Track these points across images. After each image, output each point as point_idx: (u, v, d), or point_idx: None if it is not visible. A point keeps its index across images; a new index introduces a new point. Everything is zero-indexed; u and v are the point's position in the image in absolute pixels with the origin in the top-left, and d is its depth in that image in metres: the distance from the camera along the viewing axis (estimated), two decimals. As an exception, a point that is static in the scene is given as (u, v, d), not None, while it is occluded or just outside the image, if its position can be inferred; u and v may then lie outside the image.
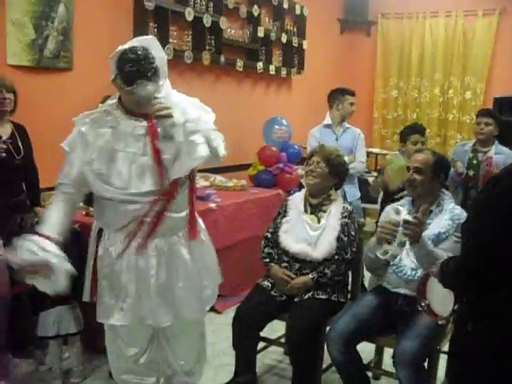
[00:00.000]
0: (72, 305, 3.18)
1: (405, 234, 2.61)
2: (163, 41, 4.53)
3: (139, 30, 4.44)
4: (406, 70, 7.46)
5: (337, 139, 4.74)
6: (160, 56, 2.44)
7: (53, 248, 2.32)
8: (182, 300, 2.61)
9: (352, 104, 4.80)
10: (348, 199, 4.49)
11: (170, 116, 2.35)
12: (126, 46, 2.41)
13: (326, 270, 3.12)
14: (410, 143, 4.21)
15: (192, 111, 2.49)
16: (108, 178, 2.44)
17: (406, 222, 2.60)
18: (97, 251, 2.63)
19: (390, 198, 3.80)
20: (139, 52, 2.37)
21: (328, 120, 4.84)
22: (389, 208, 2.86)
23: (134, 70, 2.34)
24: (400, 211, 2.71)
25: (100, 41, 4.25)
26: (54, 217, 2.47)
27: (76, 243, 3.14)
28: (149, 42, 2.46)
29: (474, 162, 4.52)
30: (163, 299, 2.58)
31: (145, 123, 2.45)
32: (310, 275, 3.11)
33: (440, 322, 2.33)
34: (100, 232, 2.64)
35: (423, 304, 2.15)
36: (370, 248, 2.92)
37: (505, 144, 4.58)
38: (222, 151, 2.57)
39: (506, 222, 1.55)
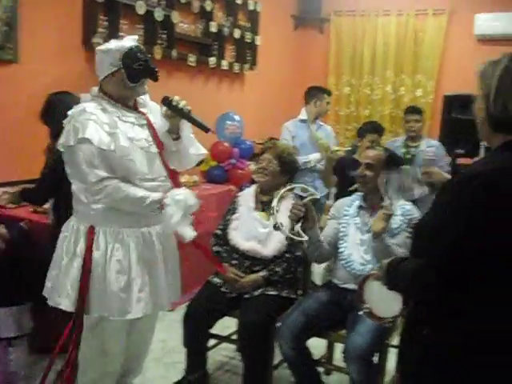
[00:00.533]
0: (18, 306, 3.07)
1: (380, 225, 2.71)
2: (114, 34, 4.44)
3: (89, 22, 4.33)
4: (359, 67, 7.52)
5: (311, 135, 4.88)
6: None
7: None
8: (170, 286, 2.72)
9: (328, 103, 4.96)
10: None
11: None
12: (127, 43, 2.51)
13: (277, 268, 3.11)
14: (367, 141, 4.27)
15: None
16: (133, 165, 2.49)
17: (385, 214, 2.68)
18: (89, 251, 2.51)
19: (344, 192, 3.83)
20: (145, 52, 2.55)
21: (304, 115, 4.96)
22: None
23: (141, 69, 2.50)
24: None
25: (48, 33, 4.12)
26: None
27: (26, 242, 3.03)
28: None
29: (408, 156, 4.76)
30: (167, 284, 2.68)
31: (140, 115, 2.60)
32: (261, 273, 3.10)
33: (386, 325, 2.33)
34: (91, 229, 2.53)
35: (364, 308, 2.13)
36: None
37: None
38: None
39: (468, 218, 1.53)
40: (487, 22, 6.65)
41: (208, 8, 5.60)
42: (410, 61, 7.21)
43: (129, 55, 2.48)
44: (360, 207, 3.06)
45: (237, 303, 3.11)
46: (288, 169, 3.29)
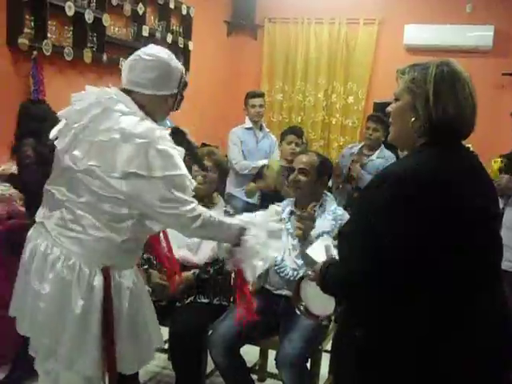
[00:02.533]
0: None
1: (299, 229, 2.65)
2: (41, 36, 4.31)
3: (13, 22, 4.15)
4: (291, 74, 7.58)
5: (257, 142, 4.96)
6: None
7: None
8: None
9: (254, 106, 4.93)
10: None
11: None
12: (179, 64, 2.28)
13: (209, 268, 3.07)
14: (286, 143, 4.33)
15: None
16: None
17: (299, 216, 2.65)
18: (107, 298, 2.13)
19: (268, 199, 3.82)
20: None
21: (248, 123, 4.94)
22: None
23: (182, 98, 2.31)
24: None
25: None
26: None
27: None
28: None
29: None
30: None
31: None
32: (192, 271, 3.05)
33: (323, 323, 2.34)
34: (106, 269, 2.14)
35: (300, 307, 2.14)
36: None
37: (388, 147, 4.77)
38: None
39: (384, 218, 1.55)
40: (416, 33, 6.86)
41: (140, 11, 5.51)
42: (341, 68, 7.32)
43: (184, 82, 2.26)
44: (291, 212, 3.06)
45: (168, 312, 3.05)
46: (223, 176, 3.25)
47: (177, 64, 2.25)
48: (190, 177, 2.14)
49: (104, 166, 2.04)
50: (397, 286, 1.57)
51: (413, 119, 1.67)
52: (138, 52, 2.27)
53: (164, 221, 2.17)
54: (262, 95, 5.12)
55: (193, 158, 2.46)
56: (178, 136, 2.33)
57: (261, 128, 5.13)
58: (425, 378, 1.60)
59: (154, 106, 2.21)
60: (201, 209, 2.15)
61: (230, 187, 5.02)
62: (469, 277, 1.61)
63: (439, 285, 1.58)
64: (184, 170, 2.11)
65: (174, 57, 2.28)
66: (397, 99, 1.75)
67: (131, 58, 2.27)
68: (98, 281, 2.10)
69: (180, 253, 3.08)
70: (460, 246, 1.59)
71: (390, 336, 1.62)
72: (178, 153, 2.11)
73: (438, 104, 1.61)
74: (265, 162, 4.77)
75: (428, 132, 1.65)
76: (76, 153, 2.08)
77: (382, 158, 4.65)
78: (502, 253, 1.74)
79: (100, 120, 2.09)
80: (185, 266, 3.10)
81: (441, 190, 1.56)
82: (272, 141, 5.15)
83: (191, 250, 3.10)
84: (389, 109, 1.82)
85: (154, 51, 2.25)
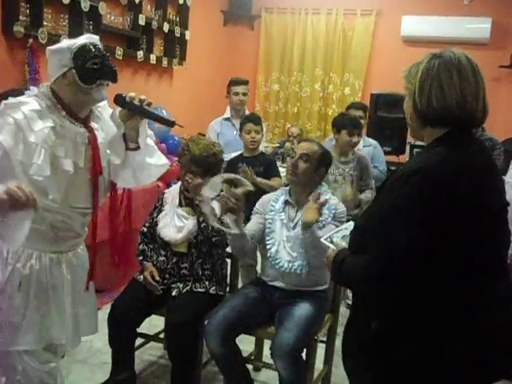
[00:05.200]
0: None
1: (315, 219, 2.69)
2: (37, 24, 4.29)
3: (9, 10, 4.14)
4: (288, 64, 7.58)
5: (235, 133, 4.59)
6: None
7: None
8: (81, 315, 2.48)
9: (237, 94, 4.72)
10: None
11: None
12: (81, 40, 2.19)
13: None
14: (244, 132, 4.12)
15: None
16: (44, 187, 2.13)
17: (322, 204, 2.69)
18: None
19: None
20: (102, 50, 2.21)
21: (228, 113, 4.78)
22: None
23: (96, 68, 2.17)
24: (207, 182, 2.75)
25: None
26: None
27: None
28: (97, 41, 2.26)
29: None
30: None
31: (85, 131, 2.25)
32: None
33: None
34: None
35: None
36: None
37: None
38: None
39: (412, 213, 1.59)
40: (413, 24, 6.86)
41: (136, 0, 5.48)
42: (338, 59, 7.33)
43: (81, 53, 2.15)
44: (286, 202, 3.05)
45: (164, 301, 3.05)
46: (210, 167, 3.19)
47: (63, 44, 2.20)
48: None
49: None
50: (420, 279, 1.60)
51: (409, 111, 1.75)
52: None
53: None
54: (245, 82, 4.88)
55: (152, 118, 2.34)
56: (123, 104, 2.28)
57: (240, 117, 4.70)
58: (442, 367, 1.64)
59: (63, 93, 2.20)
60: None
61: None
62: (487, 268, 1.67)
63: (460, 277, 1.62)
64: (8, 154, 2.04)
65: (64, 40, 2.24)
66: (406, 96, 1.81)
67: None
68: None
69: (181, 235, 3.07)
70: (482, 239, 1.64)
71: (406, 328, 1.66)
72: (17, 127, 2.06)
73: (422, 96, 1.68)
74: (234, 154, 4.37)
75: (425, 124, 1.72)
76: None
77: (368, 146, 4.62)
78: (509, 247, 1.81)
79: None
80: (182, 254, 3.11)
81: (466, 184, 1.61)
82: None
83: (177, 229, 3.10)
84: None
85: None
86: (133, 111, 2.26)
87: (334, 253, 1.86)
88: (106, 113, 2.39)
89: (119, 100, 2.27)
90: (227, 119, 4.79)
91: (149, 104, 2.30)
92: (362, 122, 4.60)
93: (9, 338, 2.23)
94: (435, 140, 1.71)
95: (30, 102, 2.14)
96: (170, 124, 2.38)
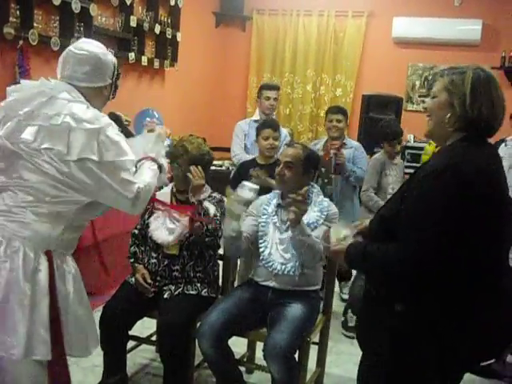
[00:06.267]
0: None
1: (294, 213, 2.68)
2: (27, 25, 4.26)
3: (-2, 12, 4.12)
4: (280, 66, 7.58)
5: None
6: None
7: None
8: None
9: (268, 98, 4.72)
10: None
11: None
12: (110, 54, 2.35)
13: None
14: (261, 138, 4.08)
15: None
16: None
17: (293, 199, 2.67)
18: (52, 281, 2.18)
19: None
20: None
21: (257, 115, 4.80)
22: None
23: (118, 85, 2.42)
24: (244, 185, 2.77)
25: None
26: None
27: None
28: None
29: (326, 159, 4.63)
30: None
31: None
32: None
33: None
34: (49, 254, 2.19)
35: None
36: (226, 228, 2.89)
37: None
38: None
39: (445, 209, 1.72)
40: (404, 26, 6.88)
41: (128, 2, 5.47)
42: (330, 60, 7.34)
43: (117, 71, 2.37)
44: (278, 205, 3.05)
45: (155, 303, 3.04)
46: (207, 166, 3.21)
47: (108, 56, 2.33)
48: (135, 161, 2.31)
49: (57, 149, 2.11)
50: (447, 268, 1.74)
51: (449, 115, 1.87)
52: (70, 47, 2.32)
53: (111, 201, 2.25)
54: (277, 88, 4.90)
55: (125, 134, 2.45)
56: (116, 121, 2.39)
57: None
58: (464, 350, 1.82)
59: (90, 97, 2.28)
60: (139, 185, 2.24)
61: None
62: (502, 259, 1.88)
63: (480, 267, 1.78)
64: (131, 156, 2.23)
65: (105, 50, 2.35)
66: (434, 97, 1.95)
67: (63, 53, 2.32)
68: (44, 265, 2.16)
69: (174, 236, 3.06)
70: (501, 232, 1.83)
71: (429, 312, 1.80)
72: (122, 138, 2.24)
73: (474, 104, 1.83)
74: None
75: (462, 127, 1.86)
76: (25, 136, 2.13)
77: (350, 148, 4.62)
78: None
79: (47, 106, 2.16)
80: (173, 256, 3.10)
81: (490, 180, 1.80)
82: (282, 134, 4.87)
83: (169, 231, 3.09)
84: (426, 105, 2.05)
85: (84, 45, 2.31)
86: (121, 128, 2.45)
87: (349, 240, 2.03)
88: None
89: (113, 117, 2.42)
90: (257, 121, 4.76)
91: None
92: (342, 124, 4.59)
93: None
94: (459, 140, 1.88)
95: (103, 115, 2.24)
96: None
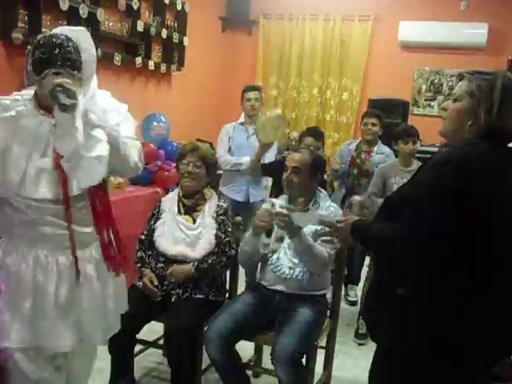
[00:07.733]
0: None
1: (278, 226, 2.69)
2: (35, 30, 4.27)
3: (7, 16, 4.15)
4: (286, 70, 7.59)
5: (248, 138, 4.73)
6: (87, 49, 2.20)
7: None
8: (85, 323, 2.35)
9: (249, 99, 4.74)
10: (250, 200, 4.63)
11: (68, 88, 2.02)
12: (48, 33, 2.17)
13: (207, 259, 3.08)
14: (304, 144, 4.18)
15: (114, 116, 2.28)
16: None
17: (277, 213, 2.67)
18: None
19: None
20: (54, 39, 2.09)
21: (242, 118, 4.84)
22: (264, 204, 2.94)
23: (43, 58, 2.07)
24: (274, 203, 2.81)
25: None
26: None
27: None
28: (77, 33, 2.19)
29: (358, 160, 4.68)
30: (64, 321, 2.28)
31: (53, 121, 2.14)
32: (191, 263, 3.07)
33: None
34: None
35: None
36: (247, 241, 2.93)
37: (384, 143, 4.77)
38: (133, 161, 2.30)
39: (447, 197, 1.69)
40: (410, 30, 6.88)
41: (135, 6, 5.50)
42: (336, 64, 7.34)
43: (35, 44, 2.10)
44: (286, 210, 3.05)
45: (163, 307, 3.05)
46: (211, 170, 3.25)
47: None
48: None
49: None
50: (451, 252, 1.71)
51: (470, 122, 1.79)
52: None
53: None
54: (256, 88, 4.90)
55: None
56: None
57: (253, 122, 4.91)
58: (468, 333, 1.76)
59: (36, 87, 2.17)
60: None
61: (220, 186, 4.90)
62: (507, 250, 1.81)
63: (486, 257, 1.74)
64: None
65: None
66: (456, 100, 1.85)
67: None
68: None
69: (177, 248, 3.09)
70: (508, 226, 1.77)
71: (433, 295, 1.76)
72: None
73: (501, 114, 1.75)
74: (247, 158, 4.51)
75: (482, 135, 1.77)
76: None
77: (381, 154, 4.65)
78: None
79: None
80: (180, 262, 3.11)
81: (495, 179, 1.73)
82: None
83: (188, 245, 3.10)
84: (445, 105, 1.92)
85: None
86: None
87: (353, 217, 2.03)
88: (99, 99, 2.31)
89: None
90: (241, 124, 4.84)
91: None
92: (376, 128, 4.64)
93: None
94: (473, 138, 1.80)
95: (4, 98, 2.19)
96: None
